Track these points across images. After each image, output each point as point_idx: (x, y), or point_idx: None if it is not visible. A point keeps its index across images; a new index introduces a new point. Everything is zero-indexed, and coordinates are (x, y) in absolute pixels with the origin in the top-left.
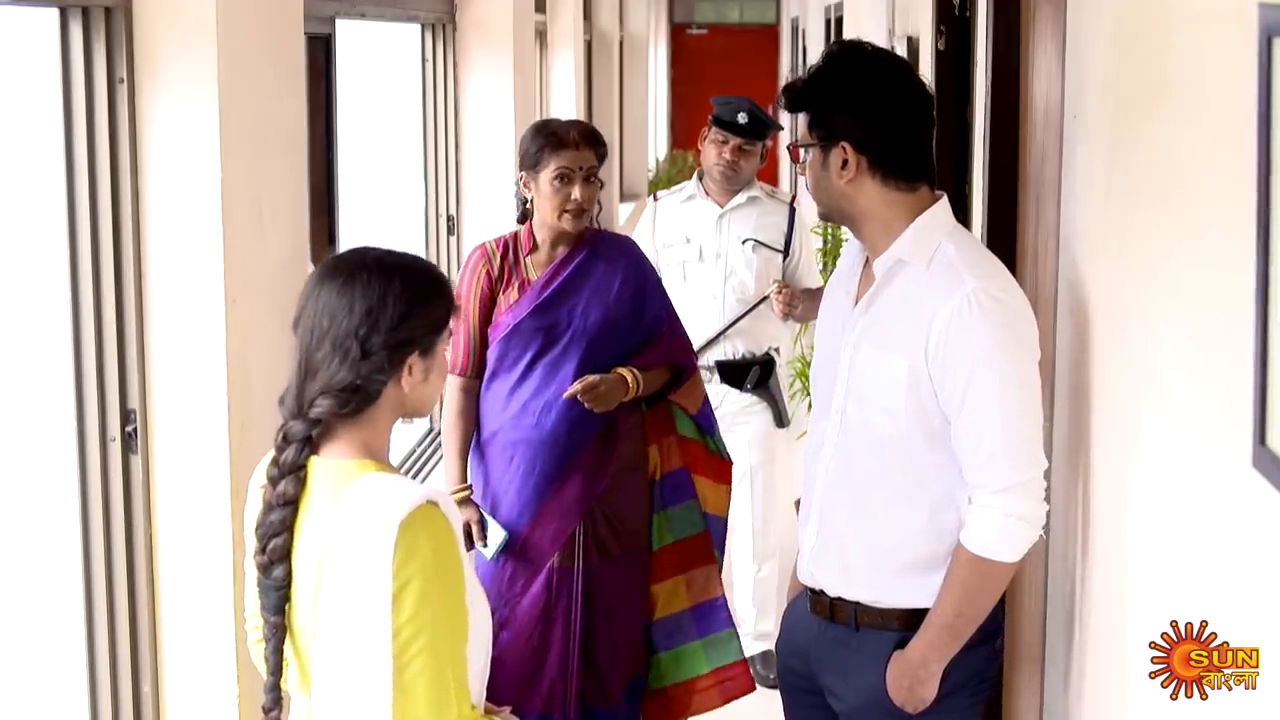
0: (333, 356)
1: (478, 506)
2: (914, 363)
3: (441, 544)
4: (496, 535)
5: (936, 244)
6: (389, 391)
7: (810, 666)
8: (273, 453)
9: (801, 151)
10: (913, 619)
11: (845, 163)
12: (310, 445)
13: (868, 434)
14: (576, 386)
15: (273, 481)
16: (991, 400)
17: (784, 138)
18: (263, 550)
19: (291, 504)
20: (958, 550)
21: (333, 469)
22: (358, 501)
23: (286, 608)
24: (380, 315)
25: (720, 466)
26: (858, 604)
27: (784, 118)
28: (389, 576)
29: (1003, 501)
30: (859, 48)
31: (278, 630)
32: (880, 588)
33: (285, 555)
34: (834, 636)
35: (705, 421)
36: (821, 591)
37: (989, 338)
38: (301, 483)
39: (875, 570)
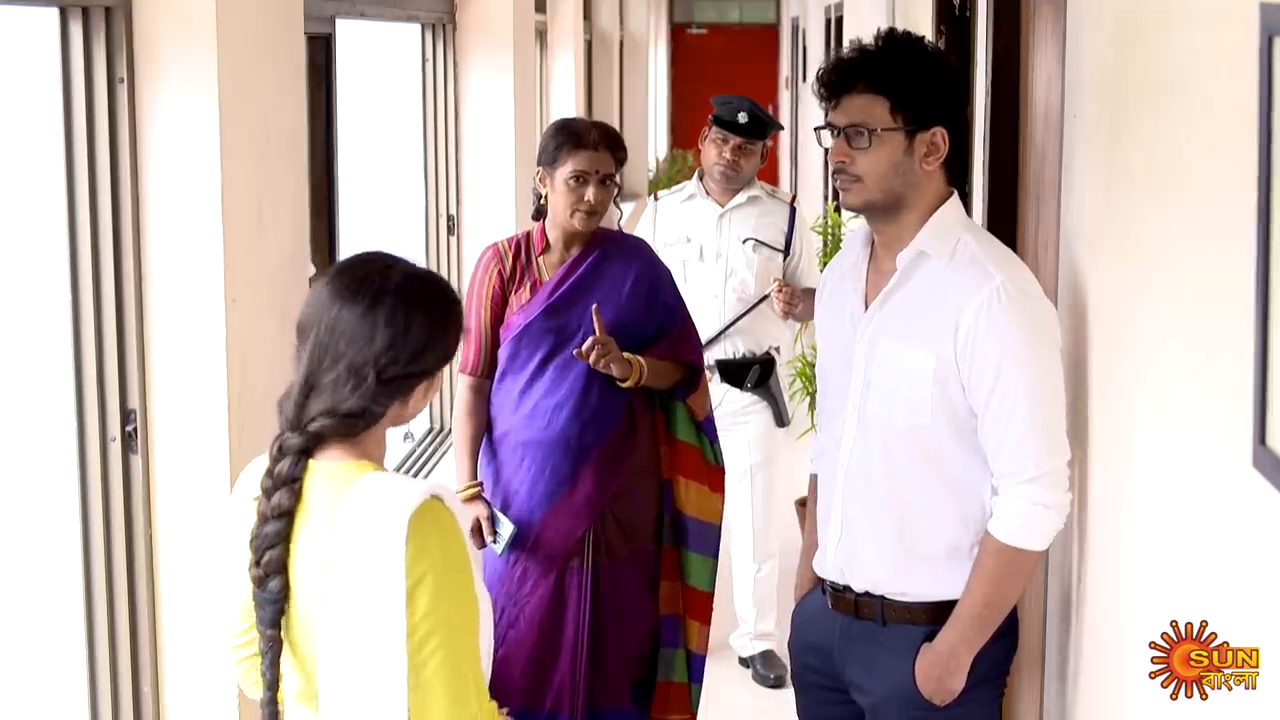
0: (346, 380)
1: (487, 503)
2: (942, 355)
3: (450, 538)
4: (506, 531)
5: (957, 237)
6: (391, 411)
7: (832, 663)
8: (263, 461)
9: (852, 134)
10: (939, 612)
11: (931, 149)
12: (306, 456)
13: (890, 427)
14: (589, 342)
15: (267, 493)
16: (1019, 391)
17: (784, 137)
18: (258, 563)
19: (287, 516)
20: (986, 540)
21: (330, 472)
22: (362, 501)
23: (283, 620)
24: (401, 348)
25: (715, 474)
26: (884, 600)
27: (784, 112)
28: (401, 574)
29: (1029, 490)
30: (920, 38)
31: (274, 643)
32: (908, 580)
33: (282, 567)
34: (859, 632)
35: (709, 428)
36: (846, 588)
37: (1016, 330)
38: (297, 495)
39: (902, 563)
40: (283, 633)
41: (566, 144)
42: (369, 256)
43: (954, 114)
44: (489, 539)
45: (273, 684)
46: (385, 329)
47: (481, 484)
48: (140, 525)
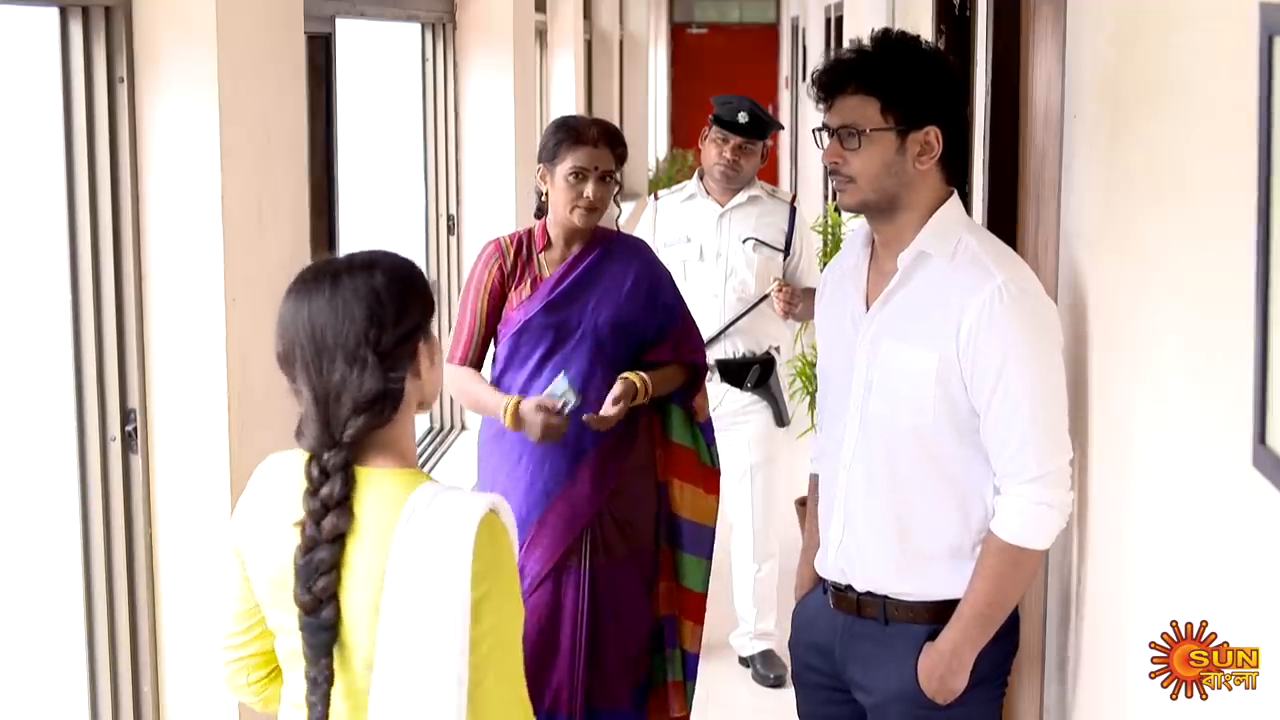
0: (351, 370)
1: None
2: (944, 354)
3: (505, 553)
4: (560, 389)
5: (958, 237)
6: (409, 386)
7: (834, 663)
8: (277, 464)
9: (844, 135)
10: (942, 611)
11: (924, 148)
12: (350, 469)
13: (892, 427)
14: (592, 419)
15: (315, 516)
16: (1021, 391)
17: (784, 137)
18: (308, 589)
19: (342, 538)
20: (989, 539)
21: (378, 483)
22: (422, 515)
23: (336, 648)
24: (382, 312)
25: (710, 476)
26: (886, 599)
27: (784, 112)
28: (467, 588)
29: (1032, 490)
30: (914, 38)
31: (329, 673)
32: (910, 580)
33: (335, 593)
34: (862, 631)
35: (707, 430)
36: (848, 588)
37: (1018, 329)
38: (350, 513)
39: (905, 563)
40: (335, 662)
41: (566, 140)
42: (308, 266)
43: (949, 113)
44: (557, 407)
45: (323, 717)
46: (358, 302)
47: (520, 398)
48: (140, 525)
